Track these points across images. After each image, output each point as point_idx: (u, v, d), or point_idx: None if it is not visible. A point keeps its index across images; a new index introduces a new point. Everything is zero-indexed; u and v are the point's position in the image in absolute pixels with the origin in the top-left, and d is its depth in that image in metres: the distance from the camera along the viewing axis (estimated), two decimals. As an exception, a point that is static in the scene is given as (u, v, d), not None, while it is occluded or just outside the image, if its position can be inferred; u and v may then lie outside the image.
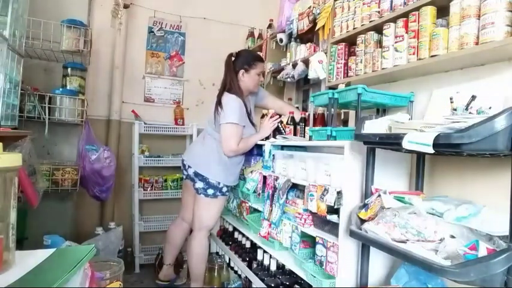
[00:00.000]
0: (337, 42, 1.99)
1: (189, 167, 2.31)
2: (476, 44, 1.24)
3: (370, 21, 1.73)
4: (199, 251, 2.36)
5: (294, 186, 1.88)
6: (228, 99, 2.21)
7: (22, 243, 2.03)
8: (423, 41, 1.43)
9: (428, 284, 1.24)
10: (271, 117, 2.22)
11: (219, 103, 2.23)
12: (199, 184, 2.27)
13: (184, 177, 2.45)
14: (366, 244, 1.33)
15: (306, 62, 2.28)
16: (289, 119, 2.19)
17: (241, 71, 2.27)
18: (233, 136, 2.16)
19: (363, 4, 1.77)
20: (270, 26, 3.03)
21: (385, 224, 1.16)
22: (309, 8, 2.26)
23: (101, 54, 3.04)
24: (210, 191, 2.27)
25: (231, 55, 2.34)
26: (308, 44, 2.35)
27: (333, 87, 1.83)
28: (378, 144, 1.33)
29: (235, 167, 2.32)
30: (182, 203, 2.60)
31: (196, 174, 2.27)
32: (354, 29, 1.84)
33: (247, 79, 2.28)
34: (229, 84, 2.25)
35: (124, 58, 3.15)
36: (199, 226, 2.35)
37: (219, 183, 2.27)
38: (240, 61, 2.29)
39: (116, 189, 2.97)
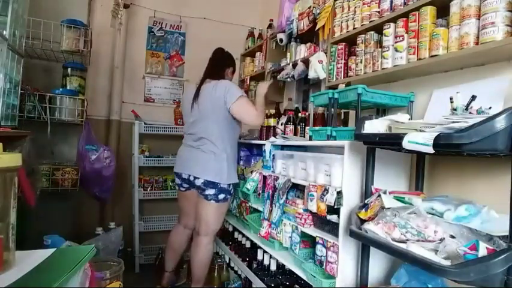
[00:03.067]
0: (337, 42, 1.99)
1: (195, 178, 2.19)
2: (476, 44, 1.24)
3: (370, 21, 1.73)
4: (205, 255, 2.32)
5: (294, 186, 1.87)
6: (224, 82, 2.23)
7: (22, 243, 2.02)
8: (423, 41, 1.43)
9: (428, 284, 1.24)
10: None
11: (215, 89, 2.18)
12: (211, 191, 2.19)
13: (183, 189, 2.36)
14: (366, 244, 1.33)
15: (306, 62, 2.28)
16: (289, 119, 2.20)
17: (231, 69, 2.46)
18: (249, 104, 2.20)
19: (363, 4, 1.77)
20: (270, 26, 3.03)
21: (385, 224, 1.15)
22: (309, 8, 2.26)
23: (101, 54, 3.04)
24: (221, 196, 2.21)
25: (224, 50, 2.44)
26: (308, 44, 2.35)
27: (333, 87, 1.83)
28: (378, 144, 1.33)
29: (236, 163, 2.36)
30: (183, 211, 2.48)
31: (207, 183, 2.17)
32: (354, 29, 1.84)
33: (230, 77, 2.45)
34: (220, 75, 2.30)
35: (124, 58, 3.15)
36: (206, 231, 2.29)
37: (229, 185, 2.22)
38: (230, 60, 2.45)
39: (116, 189, 2.96)
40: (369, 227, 1.18)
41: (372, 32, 1.74)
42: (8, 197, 0.72)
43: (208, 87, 2.22)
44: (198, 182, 2.19)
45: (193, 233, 2.46)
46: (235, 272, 2.56)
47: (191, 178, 2.23)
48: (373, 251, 1.36)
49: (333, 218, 1.51)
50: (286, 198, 1.82)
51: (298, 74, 2.35)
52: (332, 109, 1.64)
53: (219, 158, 2.18)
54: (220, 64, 2.36)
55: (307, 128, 2.05)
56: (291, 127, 2.16)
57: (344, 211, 1.44)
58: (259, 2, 3.67)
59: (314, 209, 1.57)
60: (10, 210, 0.73)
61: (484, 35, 1.20)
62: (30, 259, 0.77)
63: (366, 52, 1.77)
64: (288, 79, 2.45)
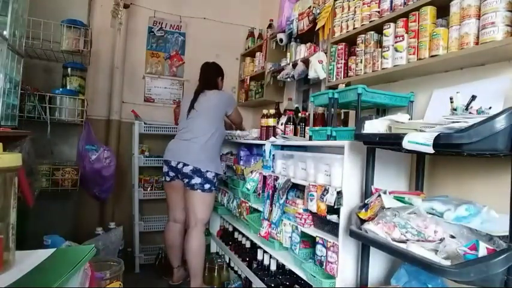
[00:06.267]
0: (337, 42, 1.99)
1: (185, 165, 2.39)
2: (476, 44, 1.24)
3: (370, 21, 1.73)
4: (197, 246, 2.42)
5: (294, 186, 1.87)
6: (227, 94, 2.70)
7: (22, 243, 2.02)
8: (423, 41, 1.43)
9: (428, 284, 1.24)
10: None
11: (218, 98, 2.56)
12: (197, 180, 2.37)
13: (168, 179, 2.52)
14: (366, 244, 1.33)
15: (306, 62, 2.28)
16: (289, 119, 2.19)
17: (220, 77, 2.71)
18: (239, 111, 2.78)
19: (363, 4, 1.77)
20: (270, 26, 3.03)
21: (385, 224, 1.15)
22: (309, 8, 2.26)
23: (101, 54, 3.03)
24: (207, 186, 2.39)
25: (209, 63, 2.71)
26: (308, 44, 2.35)
27: (333, 87, 1.83)
28: (378, 144, 1.33)
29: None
30: (170, 205, 2.63)
31: (195, 171, 2.37)
32: (354, 29, 1.84)
33: (220, 85, 2.72)
34: (216, 84, 2.64)
35: (124, 58, 3.15)
36: (195, 221, 2.43)
37: (214, 177, 2.43)
38: (219, 70, 2.70)
39: (116, 189, 2.96)
40: (369, 227, 1.18)
41: (372, 32, 1.74)
42: (8, 197, 0.72)
43: (210, 94, 2.53)
44: (187, 169, 2.38)
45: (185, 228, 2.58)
46: (235, 272, 2.56)
47: (179, 166, 2.41)
48: (373, 251, 1.36)
49: (333, 218, 1.51)
50: (286, 198, 1.82)
51: (298, 74, 2.35)
52: (332, 109, 1.64)
53: (208, 150, 2.43)
54: (213, 77, 2.64)
55: (307, 128, 2.05)
56: (291, 127, 2.16)
57: (344, 211, 1.44)
58: (259, 2, 3.67)
59: (314, 209, 1.57)
60: (10, 210, 0.73)
61: (484, 35, 1.20)
62: (30, 259, 0.77)
63: (366, 52, 1.77)
64: (288, 79, 2.46)
